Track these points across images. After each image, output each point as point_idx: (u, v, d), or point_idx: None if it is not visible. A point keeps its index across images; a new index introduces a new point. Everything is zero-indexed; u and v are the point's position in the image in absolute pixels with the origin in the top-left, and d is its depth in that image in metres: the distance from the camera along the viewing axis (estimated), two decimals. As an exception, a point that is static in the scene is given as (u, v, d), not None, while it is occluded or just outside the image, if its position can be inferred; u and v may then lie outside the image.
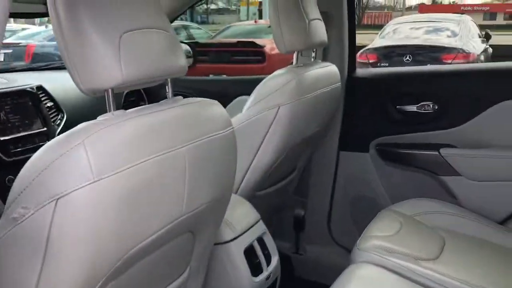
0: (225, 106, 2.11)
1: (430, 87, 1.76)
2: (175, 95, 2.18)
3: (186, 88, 2.18)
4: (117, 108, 0.78)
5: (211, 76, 6.66)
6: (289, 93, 1.38)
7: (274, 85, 1.39)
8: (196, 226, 0.97)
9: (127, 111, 0.78)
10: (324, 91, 1.55)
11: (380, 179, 1.86)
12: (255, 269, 1.21)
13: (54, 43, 2.07)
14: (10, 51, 7.12)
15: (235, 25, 9.43)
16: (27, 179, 0.68)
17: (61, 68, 1.93)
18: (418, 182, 1.78)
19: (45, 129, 1.56)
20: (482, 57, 7.01)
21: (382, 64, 6.70)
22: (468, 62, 6.32)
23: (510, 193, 1.59)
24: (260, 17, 19.55)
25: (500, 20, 30.34)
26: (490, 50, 8.02)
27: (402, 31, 7.61)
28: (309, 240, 1.99)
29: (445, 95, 1.72)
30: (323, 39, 1.53)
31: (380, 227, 1.42)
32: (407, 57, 6.61)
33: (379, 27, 8.51)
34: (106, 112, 0.77)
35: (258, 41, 6.57)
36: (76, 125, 0.72)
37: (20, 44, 7.45)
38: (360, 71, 1.92)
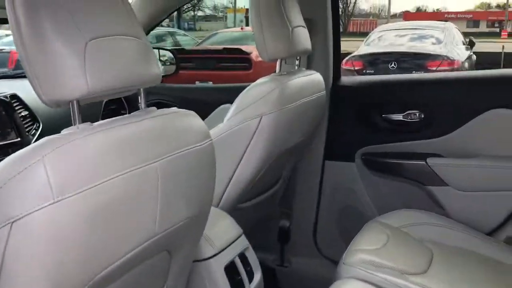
0: (208, 115, 2.07)
1: (416, 96, 1.73)
2: (155, 104, 2.12)
3: (168, 97, 2.13)
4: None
5: (196, 84, 6.64)
6: (272, 102, 1.33)
7: (257, 94, 1.35)
8: (172, 245, 0.91)
9: (94, 124, 0.73)
10: (309, 99, 1.50)
11: (366, 189, 1.83)
12: (237, 287, 1.16)
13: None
14: (-8, 57, 6.99)
15: (222, 32, 9.41)
16: None
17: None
18: (405, 192, 1.75)
19: (19, 139, 1.49)
20: (466, 64, 7.07)
21: (367, 71, 6.72)
22: (453, 69, 6.37)
23: (498, 203, 1.56)
24: (247, 24, 19.62)
25: (483, 27, 30.87)
26: (474, 57, 8.10)
27: (387, 38, 7.66)
28: (294, 252, 1.94)
29: (431, 103, 1.70)
30: (307, 47, 1.49)
31: (367, 240, 1.39)
32: (392, 64, 6.64)
33: (365, 34, 8.57)
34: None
35: (244, 48, 6.55)
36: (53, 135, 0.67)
37: (4, 50, 7.33)
38: (345, 79, 1.88)
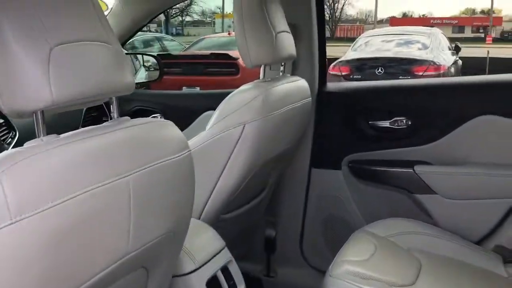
0: (193, 122, 2.02)
1: (403, 102, 1.71)
2: (139, 110, 2.06)
3: (151, 103, 2.08)
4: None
5: (183, 89, 6.60)
6: (255, 110, 1.29)
7: (239, 101, 1.31)
8: (149, 261, 0.87)
9: (61, 136, 0.68)
10: (294, 106, 1.47)
11: (353, 197, 1.79)
12: (220, 302, 1.12)
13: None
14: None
15: (209, 37, 9.37)
16: None
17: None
18: (392, 201, 1.71)
19: None
20: (452, 69, 7.12)
21: (354, 77, 6.74)
22: (439, 74, 6.40)
23: (486, 211, 1.54)
24: (235, 29, 19.54)
25: (468, 33, 31.27)
26: (460, 62, 8.16)
27: (373, 43, 7.69)
28: (281, 262, 1.90)
29: (418, 110, 1.67)
30: (292, 53, 1.45)
31: (354, 250, 1.36)
32: (379, 69, 6.66)
33: (352, 39, 8.61)
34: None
35: (232, 53, 6.52)
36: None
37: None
38: (331, 85, 1.85)
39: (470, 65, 9.26)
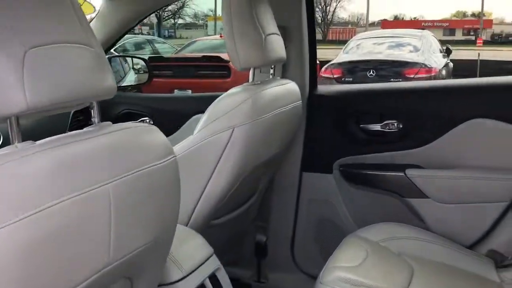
0: (182, 125, 1.99)
1: (394, 105, 1.69)
2: (127, 114, 2.01)
3: (139, 107, 2.05)
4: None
5: (175, 92, 6.56)
6: (244, 113, 1.26)
7: (228, 104, 1.28)
8: (133, 271, 0.84)
9: (37, 142, 0.65)
10: (284, 110, 1.44)
11: (345, 201, 1.77)
12: (208, 311, 1.09)
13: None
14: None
15: (201, 39, 9.35)
16: None
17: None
18: (384, 205, 1.70)
19: None
20: (444, 72, 7.14)
21: (346, 79, 6.74)
22: (430, 77, 6.42)
23: (479, 215, 1.52)
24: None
25: (459, 35, 31.50)
26: (451, 64, 8.20)
27: (365, 46, 7.70)
28: (272, 267, 1.87)
29: (410, 113, 1.65)
30: (281, 55, 1.43)
31: (345, 256, 1.33)
32: (371, 72, 6.67)
33: (344, 42, 8.62)
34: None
35: (224, 55, 6.49)
36: None
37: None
38: (322, 88, 1.83)
39: (461, 68, 9.31)
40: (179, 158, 1.27)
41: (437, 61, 7.19)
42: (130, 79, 2.48)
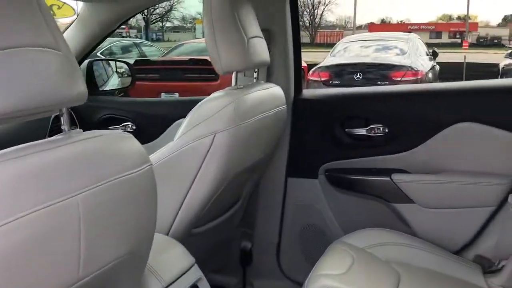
0: (165, 130, 1.95)
1: (380, 109, 1.67)
2: (109, 119, 1.96)
3: (122, 111, 2.00)
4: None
5: (162, 95, 6.50)
6: (227, 118, 1.23)
7: (210, 109, 1.24)
8: (107, 286, 0.80)
9: (1, 152, 0.61)
10: (268, 114, 1.41)
11: (331, 207, 1.75)
12: (189, 323, 1.05)
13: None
14: None
15: (188, 42, 9.29)
16: None
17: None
18: (370, 210, 1.67)
19: None
20: (430, 74, 7.18)
21: (333, 82, 6.76)
22: (417, 79, 6.45)
23: (465, 220, 1.51)
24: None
25: (445, 38, 31.81)
26: (438, 67, 8.25)
27: (352, 49, 7.72)
28: (257, 275, 1.84)
29: (395, 117, 1.63)
30: (265, 59, 1.40)
31: (331, 263, 1.31)
32: (358, 75, 6.68)
33: (332, 45, 8.64)
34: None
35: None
36: None
37: None
38: (307, 92, 1.81)
39: (447, 70, 9.38)
40: (159, 166, 1.25)
41: (424, 64, 7.22)
42: (113, 83, 2.44)
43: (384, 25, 34.89)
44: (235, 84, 1.38)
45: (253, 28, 1.35)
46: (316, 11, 33.53)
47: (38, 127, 1.81)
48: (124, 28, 28.48)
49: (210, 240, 1.54)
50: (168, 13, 32.11)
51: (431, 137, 1.57)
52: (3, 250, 0.55)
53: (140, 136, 1.92)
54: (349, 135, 1.69)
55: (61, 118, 0.74)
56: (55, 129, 1.88)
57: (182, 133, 1.25)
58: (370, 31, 27.16)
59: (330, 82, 6.77)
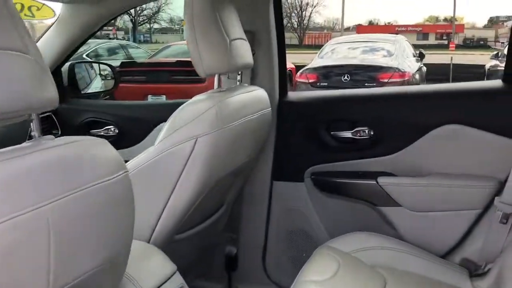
0: (149, 134, 1.91)
1: (366, 112, 1.65)
2: (91, 122, 1.91)
3: (105, 114, 1.96)
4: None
5: (149, 98, 6.45)
6: (209, 122, 1.20)
7: (191, 113, 1.21)
8: None
9: None
10: (252, 117, 1.39)
11: (317, 210, 1.73)
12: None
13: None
14: None
15: (175, 44, 9.25)
16: None
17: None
18: (356, 214, 1.66)
19: None
20: (417, 76, 7.22)
21: (321, 84, 6.77)
22: (404, 81, 6.48)
23: (452, 224, 1.50)
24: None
25: (432, 40, 32.08)
26: (425, 68, 8.30)
27: (340, 51, 7.73)
28: (243, 280, 1.81)
29: (381, 119, 1.62)
30: (248, 61, 1.37)
31: (316, 268, 1.29)
32: (345, 77, 6.70)
33: (320, 47, 8.64)
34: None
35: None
36: None
37: None
38: (293, 95, 1.79)
39: (434, 72, 9.44)
40: (139, 171, 1.21)
41: (411, 65, 7.26)
42: (96, 85, 2.39)
43: (372, 27, 35.04)
44: (218, 87, 1.36)
45: (236, 29, 1.33)
46: (304, 12, 33.62)
47: (18, 130, 1.77)
48: (111, 30, 28.31)
49: (194, 246, 1.51)
50: (155, 15, 31.95)
51: (416, 140, 1.56)
52: None
53: (123, 140, 1.91)
54: (334, 138, 1.67)
55: (31, 124, 0.71)
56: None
57: (163, 137, 1.22)
58: (358, 32, 27.31)
59: (318, 84, 6.78)
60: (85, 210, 0.69)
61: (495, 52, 10.09)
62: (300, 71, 7.14)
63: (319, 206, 1.72)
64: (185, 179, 1.21)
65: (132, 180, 0.84)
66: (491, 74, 8.79)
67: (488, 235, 1.41)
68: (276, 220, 1.78)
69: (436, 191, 1.51)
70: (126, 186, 0.79)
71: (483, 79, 8.83)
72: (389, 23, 36.77)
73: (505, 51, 1.62)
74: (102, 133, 1.94)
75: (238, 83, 1.55)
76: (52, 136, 0.73)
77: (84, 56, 7.93)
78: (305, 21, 33.70)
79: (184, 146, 1.19)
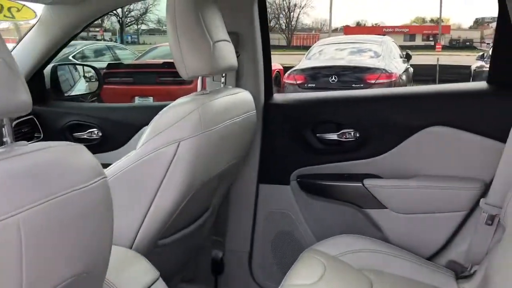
0: (132, 137, 1.88)
1: (351, 114, 1.64)
2: (74, 125, 1.87)
3: (88, 117, 1.93)
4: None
5: (136, 100, 6.40)
6: (191, 126, 1.18)
7: (174, 116, 1.19)
8: None
9: None
10: (236, 120, 1.37)
11: (303, 213, 1.71)
12: None
13: None
14: None
15: (162, 45, 9.18)
16: None
17: None
18: (343, 216, 1.65)
19: None
20: (404, 77, 7.26)
21: (309, 85, 6.77)
22: (390, 82, 6.51)
23: (437, 226, 1.49)
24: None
25: (419, 41, 32.33)
26: (411, 69, 8.35)
27: (327, 52, 7.75)
28: (229, 284, 1.79)
29: (367, 121, 1.61)
30: (232, 63, 1.35)
31: (302, 272, 1.28)
32: (333, 78, 6.71)
33: (308, 48, 8.65)
34: None
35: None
36: None
37: None
38: (278, 97, 1.77)
39: (421, 73, 9.51)
40: (120, 176, 1.19)
41: (398, 66, 7.30)
42: (80, 87, 2.36)
43: (359, 28, 35.22)
44: (201, 89, 1.33)
45: (219, 31, 1.31)
46: (292, 14, 33.70)
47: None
48: (98, 31, 28.10)
49: (179, 250, 1.48)
50: (143, 16, 31.79)
51: (402, 142, 1.56)
52: None
53: (107, 143, 1.88)
54: (320, 140, 1.66)
55: (3, 129, 0.68)
56: (20, 136, 1.80)
57: (145, 141, 1.19)
58: (346, 33, 27.43)
59: (305, 85, 6.79)
60: (59, 219, 0.67)
61: (480, 53, 10.19)
62: (288, 72, 7.14)
63: (305, 209, 1.71)
64: (168, 184, 1.18)
65: (113, 185, 0.82)
66: (477, 75, 8.87)
67: (473, 237, 1.40)
68: (263, 223, 1.76)
69: (422, 193, 1.50)
70: (104, 192, 0.76)
71: (469, 80, 8.91)
72: (376, 24, 37.00)
73: (491, 52, 1.62)
74: (85, 136, 1.91)
75: (222, 85, 1.53)
76: (25, 142, 0.70)
77: (70, 57, 7.85)
78: (293, 22, 33.79)
79: (166, 150, 1.17)
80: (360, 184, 1.56)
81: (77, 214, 0.70)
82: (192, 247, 1.61)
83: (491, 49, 1.62)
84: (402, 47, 9.25)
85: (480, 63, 9.08)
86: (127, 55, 9.80)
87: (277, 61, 9.14)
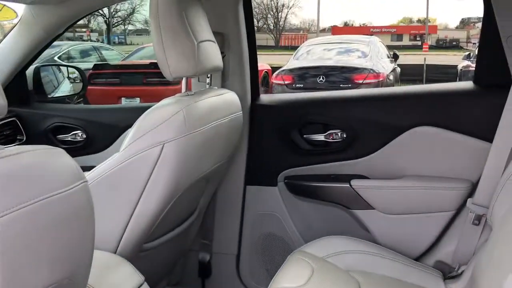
0: (117, 139, 1.85)
1: (338, 114, 1.63)
2: (58, 127, 1.85)
3: (72, 119, 1.90)
4: None
5: (123, 101, 6.34)
6: (176, 127, 1.16)
7: (158, 117, 1.17)
8: None
9: None
10: (222, 121, 1.35)
11: (291, 215, 1.70)
12: None
13: None
14: None
15: (149, 45, 9.12)
16: None
17: None
18: (330, 217, 1.64)
19: None
20: (391, 76, 7.29)
21: (297, 85, 6.78)
22: (378, 82, 6.53)
23: (425, 226, 1.49)
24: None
25: (406, 41, 32.56)
26: (399, 69, 8.40)
27: (315, 52, 7.76)
28: (217, 286, 1.77)
29: (353, 122, 1.60)
30: (216, 64, 1.34)
31: (289, 275, 1.26)
32: (321, 78, 6.72)
33: (296, 48, 8.66)
34: None
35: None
36: None
37: None
38: (265, 98, 1.76)
39: (408, 72, 9.57)
40: (103, 179, 1.17)
41: (385, 66, 7.34)
42: (64, 89, 2.32)
43: (347, 28, 35.38)
44: (185, 90, 1.32)
45: (204, 31, 1.29)
46: (280, 14, 33.76)
47: None
48: (85, 31, 27.86)
49: (165, 253, 1.46)
50: (130, 16, 31.61)
51: (389, 142, 1.55)
52: None
53: (91, 145, 1.85)
54: (307, 141, 1.65)
55: None
56: (3, 139, 1.77)
57: (128, 143, 1.17)
58: (333, 33, 27.52)
59: (293, 85, 6.79)
60: (38, 224, 0.65)
61: (467, 53, 10.29)
62: (276, 72, 7.14)
63: (293, 210, 1.70)
64: (152, 186, 1.16)
65: (96, 188, 0.80)
66: (463, 74, 8.96)
67: (461, 237, 1.40)
68: (250, 225, 1.75)
69: (409, 194, 1.50)
70: (84, 197, 0.74)
71: (456, 79, 8.99)
72: (363, 24, 37.22)
73: (477, 52, 1.62)
74: (69, 138, 1.88)
75: (207, 86, 1.52)
76: (1, 146, 0.68)
77: (55, 58, 7.76)
78: (281, 23, 33.86)
79: (150, 152, 1.15)
80: (348, 185, 1.55)
81: (57, 219, 0.68)
82: (179, 250, 1.59)
83: (477, 49, 1.62)
84: (389, 47, 9.30)
85: (466, 62, 9.17)
86: (113, 55, 9.72)
87: (265, 62, 9.16)
